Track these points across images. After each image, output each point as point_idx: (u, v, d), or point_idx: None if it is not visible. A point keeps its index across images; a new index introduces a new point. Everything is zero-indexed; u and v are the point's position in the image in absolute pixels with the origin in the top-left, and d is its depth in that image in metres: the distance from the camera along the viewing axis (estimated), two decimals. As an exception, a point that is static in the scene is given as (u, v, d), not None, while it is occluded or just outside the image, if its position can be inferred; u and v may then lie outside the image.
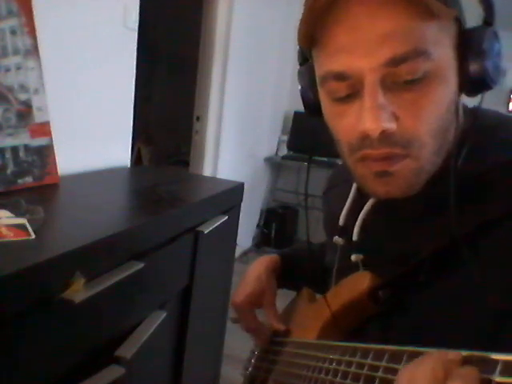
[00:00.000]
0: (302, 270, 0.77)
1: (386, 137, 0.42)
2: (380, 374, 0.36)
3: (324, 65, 0.45)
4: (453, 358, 0.30)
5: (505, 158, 0.44)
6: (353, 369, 0.39)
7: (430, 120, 0.42)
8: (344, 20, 0.42)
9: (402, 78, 0.41)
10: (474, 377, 0.28)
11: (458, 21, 0.43)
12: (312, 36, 0.45)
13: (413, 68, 0.40)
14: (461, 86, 0.44)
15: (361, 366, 0.38)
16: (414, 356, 0.34)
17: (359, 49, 0.41)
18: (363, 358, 0.39)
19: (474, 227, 0.43)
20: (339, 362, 0.43)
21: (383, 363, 0.36)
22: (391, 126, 0.41)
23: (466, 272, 0.42)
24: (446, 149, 0.46)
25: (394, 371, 0.36)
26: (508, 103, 5.07)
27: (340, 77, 0.43)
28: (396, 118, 0.42)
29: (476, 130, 0.45)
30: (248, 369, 0.73)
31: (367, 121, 0.41)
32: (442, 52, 0.42)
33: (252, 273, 0.71)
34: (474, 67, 0.42)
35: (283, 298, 0.78)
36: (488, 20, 0.44)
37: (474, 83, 0.44)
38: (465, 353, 0.31)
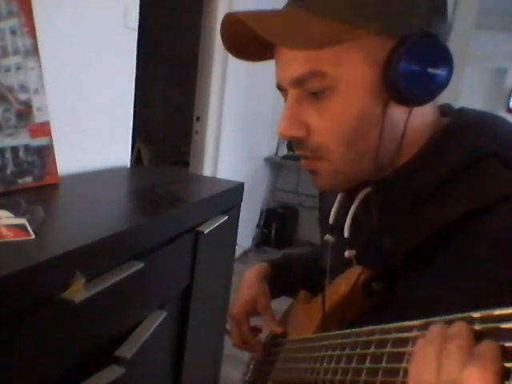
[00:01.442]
0: (294, 274, 0.77)
1: (297, 141, 0.48)
2: (388, 349, 0.35)
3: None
4: (456, 332, 0.27)
5: (488, 150, 0.43)
6: (358, 350, 0.39)
7: (335, 130, 0.46)
8: None
9: (310, 94, 0.46)
10: (495, 353, 0.23)
11: (386, 32, 0.42)
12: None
13: (312, 86, 0.45)
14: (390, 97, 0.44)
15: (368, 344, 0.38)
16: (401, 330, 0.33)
17: (282, 67, 0.48)
18: (368, 336, 0.39)
19: (439, 227, 0.42)
20: (340, 348, 0.43)
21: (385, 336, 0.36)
22: (298, 133, 0.47)
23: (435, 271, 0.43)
24: (369, 155, 0.46)
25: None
26: (508, 103, 5.08)
27: (279, 87, 0.50)
28: (307, 126, 0.47)
29: (455, 129, 0.46)
30: (247, 375, 0.73)
31: (279, 128, 0.48)
32: (346, 69, 0.44)
33: (245, 282, 0.73)
34: (389, 81, 0.43)
35: (281, 302, 0.78)
36: (425, 29, 0.42)
37: (392, 96, 0.44)
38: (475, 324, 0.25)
